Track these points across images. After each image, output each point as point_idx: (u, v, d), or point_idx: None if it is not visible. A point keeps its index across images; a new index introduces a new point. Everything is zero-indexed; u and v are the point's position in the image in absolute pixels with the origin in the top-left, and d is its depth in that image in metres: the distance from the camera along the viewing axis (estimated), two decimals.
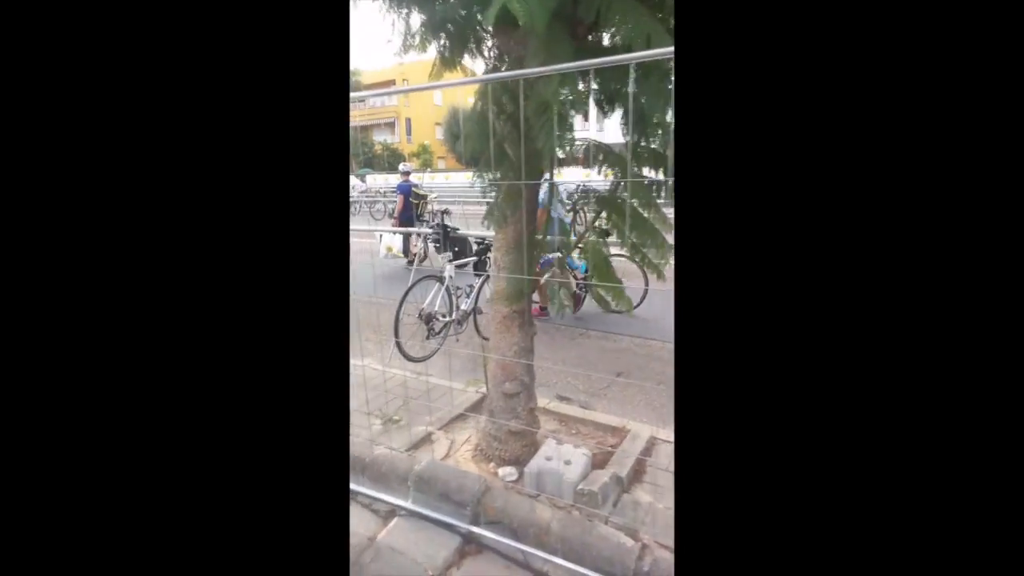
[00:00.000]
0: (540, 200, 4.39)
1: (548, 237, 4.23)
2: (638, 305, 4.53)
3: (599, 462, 2.26)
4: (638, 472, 2.27)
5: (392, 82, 34.58)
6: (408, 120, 36.13)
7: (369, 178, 22.97)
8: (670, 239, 2.08)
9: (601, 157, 2.26)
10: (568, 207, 4.78)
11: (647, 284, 4.59)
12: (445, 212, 7.91)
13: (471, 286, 4.26)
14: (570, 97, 1.83)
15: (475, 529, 1.89)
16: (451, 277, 4.07)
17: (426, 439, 2.57)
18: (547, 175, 4.51)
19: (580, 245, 4.77)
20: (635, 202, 2.16)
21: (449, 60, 2.26)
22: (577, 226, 4.72)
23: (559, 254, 4.58)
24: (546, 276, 4.12)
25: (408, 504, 2.05)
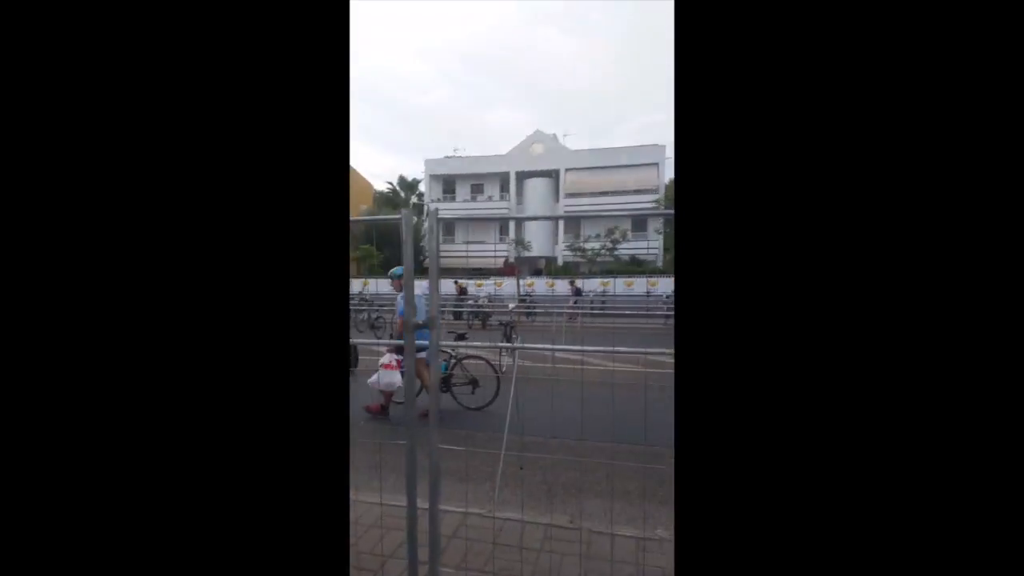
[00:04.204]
0: (400, 310, 4.96)
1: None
2: (491, 402, 5.12)
3: None
4: None
5: None
6: None
7: None
8: None
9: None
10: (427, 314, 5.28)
11: (499, 383, 5.19)
12: None
13: None
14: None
15: None
16: None
17: None
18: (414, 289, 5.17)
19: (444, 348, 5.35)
20: None
21: None
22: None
23: (421, 355, 5.05)
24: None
25: None
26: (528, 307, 15.21)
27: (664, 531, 2.50)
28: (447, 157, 34.15)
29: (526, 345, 7.08)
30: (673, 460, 0.83)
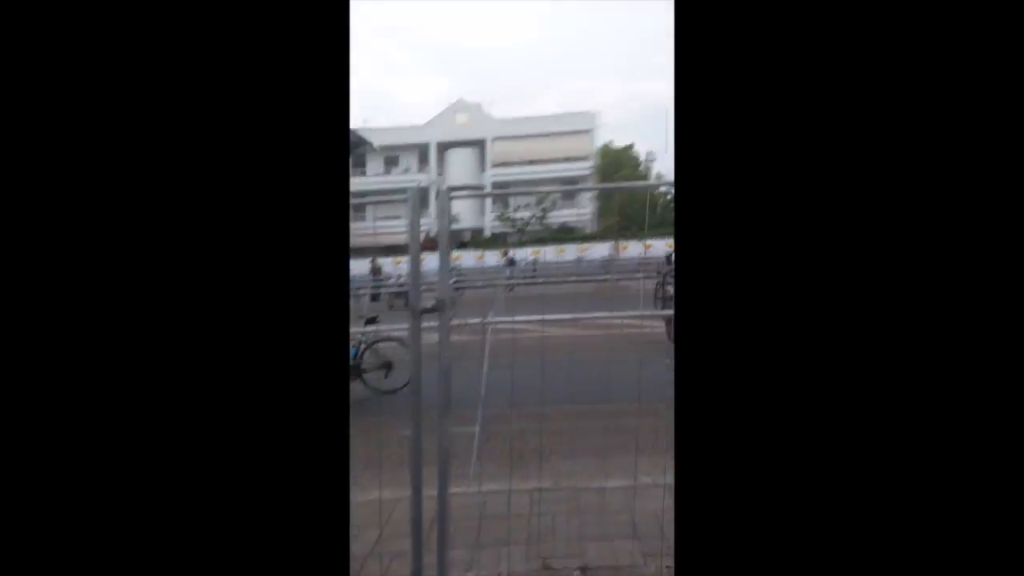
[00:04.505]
0: None
1: None
2: (407, 384, 4.93)
3: None
4: None
5: None
6: None
7: None
8: None
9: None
10: None
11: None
12: None
13: None
14: None
15: None
16: None
17: None
18: None
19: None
20: None
21: None
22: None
23: None
24: None
25: None
26: (459, 282, 14.99)
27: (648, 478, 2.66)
28: (356, 130, 32.40)
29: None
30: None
